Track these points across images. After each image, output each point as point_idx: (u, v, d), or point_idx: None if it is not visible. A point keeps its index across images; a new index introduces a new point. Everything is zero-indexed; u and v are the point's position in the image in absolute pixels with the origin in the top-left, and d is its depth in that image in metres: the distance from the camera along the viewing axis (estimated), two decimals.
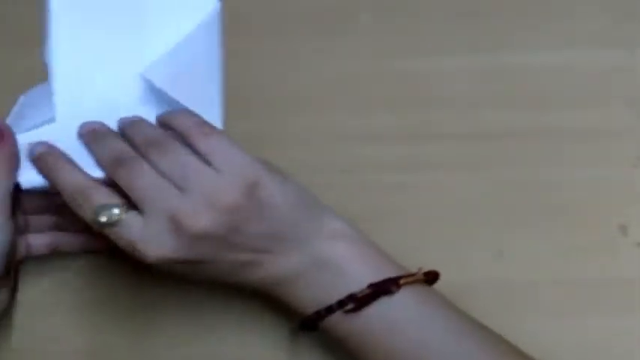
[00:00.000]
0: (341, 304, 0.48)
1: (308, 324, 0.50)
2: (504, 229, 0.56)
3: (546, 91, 0.59)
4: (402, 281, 0.48)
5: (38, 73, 0.54)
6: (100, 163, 0.49)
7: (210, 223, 0.46)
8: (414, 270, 0.49)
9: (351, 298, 0.48)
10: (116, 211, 0.46)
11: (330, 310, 0.48)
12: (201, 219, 0.46)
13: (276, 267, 0.49)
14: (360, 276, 0.48)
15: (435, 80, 0.60)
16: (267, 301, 0.52)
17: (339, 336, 0.49)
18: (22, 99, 0.54)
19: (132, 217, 0.46)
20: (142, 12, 0.54)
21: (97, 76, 0.53)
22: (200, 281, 0.51)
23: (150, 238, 0.46)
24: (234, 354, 0.55)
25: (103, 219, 0.46)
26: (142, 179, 0.47)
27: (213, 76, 0.53)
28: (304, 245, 0.49)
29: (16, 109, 0.54)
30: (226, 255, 0.47)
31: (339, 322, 0.48)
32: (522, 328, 0.52)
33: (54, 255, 0.56)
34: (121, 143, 0.49)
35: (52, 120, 0.53)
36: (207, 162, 0.47)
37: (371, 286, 0.48)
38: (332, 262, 0.48)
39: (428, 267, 0.51)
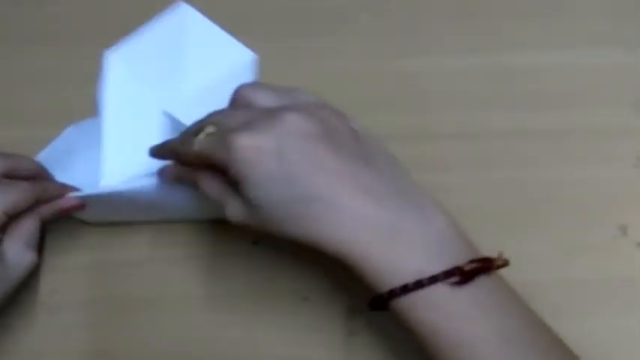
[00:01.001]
0: (447, 274, 0.43)
1: (390, 298, 0.44)
2: (504, 229, 0.56)
3: (546, 91, 0.60)
4: (496, 262, 0.45)
5: (38, 73, 0.55)
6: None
7: (303, 116, 0.45)
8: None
9: (458, 270, 0.43)
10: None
11: (433, 279, 0.43)
12: (293, 112, 0.45)
13: (383, 204, 0.44)
14: (461, 250, 0.45)
15: (435, 80, 0.60)
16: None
17: (416, 317, 0.44)
18: (70, 130, 0.56)
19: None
20: (182, 63, 0.55)
21: (140, 126, 0.54)
22: (279, 230, 0.46)
23: (248, 129, 0.45)
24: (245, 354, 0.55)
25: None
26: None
27: None
28: (406, 198, 0.45)
29: (63, 139, 0.56)
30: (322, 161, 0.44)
31: (430, 297, 0.43)
32: None
33: (55, 255, 0.56)
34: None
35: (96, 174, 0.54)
36: None
37: (473, 261, 0.44)
38: (437, 230, 0.45)
39: None
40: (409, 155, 0.58)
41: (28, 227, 0.52)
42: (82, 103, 0.59)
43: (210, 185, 0.48)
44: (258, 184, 0.44)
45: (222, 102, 0.49)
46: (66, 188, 0.54)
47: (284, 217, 0.45)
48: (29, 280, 0.56)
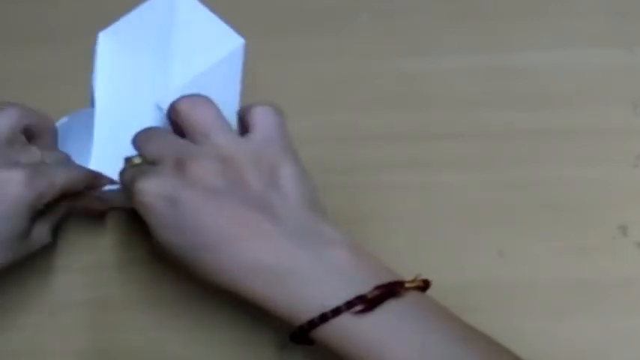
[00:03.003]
0: (349, 305, 0.44)
1: (303, 333, 0.45)
2: (504, 229, 0.56)
3: (546, 91, 0.60)
4: (406, 285, 0.46)
5: (38, 73, 0.55)
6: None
7: (212, 168, 0.46)
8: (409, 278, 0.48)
9: (360, 299, 0.44)
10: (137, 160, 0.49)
11: (336, 311, 0.44)
12: (203, 163, 0.46)
13: (272, 248, 0.45)
14: (364, 279, 0.45)
15: (435, 80, 0.60)
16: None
17: (337, 346, 0.45)
18: (65, 120, 0.56)
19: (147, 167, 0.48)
20: (172, 48, 0.54)
21: (129, 111, 0.54)
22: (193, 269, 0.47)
23: (152, 174, 0.47)
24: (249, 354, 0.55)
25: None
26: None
27: (230, 109, 0.53)
28: (302, 238, 0.46)
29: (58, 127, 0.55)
30: (220, 211, 0.46)
31: (340, 328, 0.45)
32: (522, 328, 0.52)
33: (55, 255, 0.56)
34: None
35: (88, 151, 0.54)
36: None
37: (378, 287, 0.45)
38: (333, 264, 0.45)
39: (428, 267, 0.50)
40: (409, 155, 0.58)
41: (60, 212, 0.52)
42: (82, 103, 0.59)
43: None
44: (154, 228, 0.47)
45: (209, 91, 0.50)
46: (104, 179, 0.54)
47: (184, 261, 0.47)
48: (29, 280, 0.56)
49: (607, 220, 0.56)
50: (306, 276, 0.45)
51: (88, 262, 0.57)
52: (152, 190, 0.46)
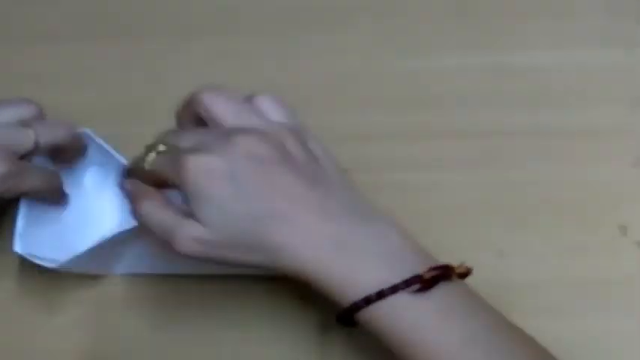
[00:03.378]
0: (407, 283, 0.43)
1: (353, 312, 0.44)
2: (504, 229, 0.56)
3: (546, 91, 0.60)
4: (456, 270, 0.46)
5: (38, 73, 0.55)
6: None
7: (257, 141, 0.45)
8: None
9: (418, 278, 0.44)
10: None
11: (394, 289, 0.43)
12: (248, 136, 0.46)
13: (331, 221, 0.45)
14: (417, 259, 0.45)
15: (435, 80, 0.60)
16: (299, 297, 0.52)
17: (383, 326, 0.44)
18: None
19: None
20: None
21: None
22: (229, 261, 0.46)
23: (202, 152, 0.45)
24: (256, 354, 0.55)
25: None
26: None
27: None
28: (355, 214, 0.46)
29: None
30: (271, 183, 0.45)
31: (392, 307, 0.44)
32: (522, 327, 0.52)
33: None
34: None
35: None
36: None
37: (434, 268, 0.44)
38: (387, 242, 0.45)
39: None
40: (409, 155, 0.58)
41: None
42: (82, 103, 0.59)
43: (154, 214, 0.47)
44: (209, 206, 0.45)
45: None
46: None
47: (236, 239, 0.45)
48: (29, 280, 0.56)
49: (607, 220, 0.56)
50: (362, 252, 0.45)
51: None
52: (206, 165, 0.45)
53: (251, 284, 0.56)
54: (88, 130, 0.53)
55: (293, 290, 0.54)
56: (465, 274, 0.47)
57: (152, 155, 0.48)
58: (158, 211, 0.47)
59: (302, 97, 0.60)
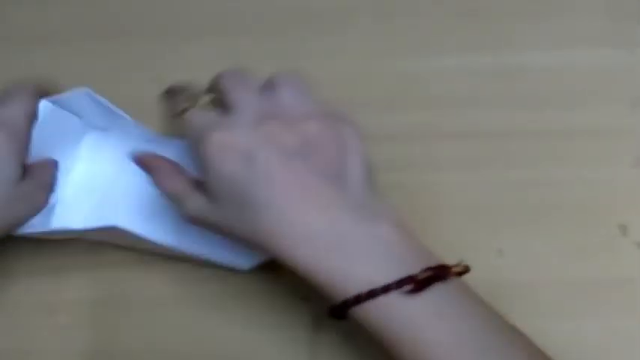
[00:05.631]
0: (400, 284, 0.44)
1: (345, 308, 0.45)
2: (504, 229, 0.56)
3: (546, 91, 0.60)
4: (452, 269, 0.46)
5: (39, 73, 0.55)
6: None
7: (288, 130, 0.46)
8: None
9: (411, 279, 0.44)
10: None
11: (386, 289, 0.44)
12: (281, 123, 0.47)
13: (331, 219, 0.45)
14: (413, 260, 0.45)
15: (435, 80, 0.60)
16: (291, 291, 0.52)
17: (375, 324, 0.45)
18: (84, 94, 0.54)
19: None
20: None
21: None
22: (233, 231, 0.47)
23: (230, 125, 0.47)
24: (248, 351, 0.55)
25: None
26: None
27: None
28: (360, 214, 0.46)
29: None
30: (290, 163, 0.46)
31: (384, 306, 0.44)
32: (522, 328, 0.52)
33: (55, 255, 0.56)
34: None
35: None
36: None
37: (428, 269, 0.45)
38: (385, 242, 0.45)
39: None
40: (409, 155, 0.58)
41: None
42: None
43: (167, 181, 0.50)
44: (220, 179, 0.46)
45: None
46: None
47: (237, 217, 0.46)
48: (29, 279, 0.56)
49: (607, 220, 0.56)
50: (358, 250, 0.45)
51: (88, 262, 0.57)
52: (229, 141, 0.46)
53: (252, 284, 0.56)
54: (89, 90, 0.53)
55: (287, 286, 0.55)
56: (462, 272, 0.47)
57: (187, 105, 0.49)
58: (171, 180, 0.50)
59: None
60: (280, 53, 0.61)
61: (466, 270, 0.47)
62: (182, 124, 0.49)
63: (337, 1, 0.62)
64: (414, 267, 0.45)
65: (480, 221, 0.57)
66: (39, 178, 0.52)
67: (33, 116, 0.52)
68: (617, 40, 0.60)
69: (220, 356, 0.55)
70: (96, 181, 0.55)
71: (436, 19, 0.61)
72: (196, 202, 0.48)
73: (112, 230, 0.52)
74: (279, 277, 0.56)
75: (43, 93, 0.53)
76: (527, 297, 0.55)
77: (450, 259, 0.55)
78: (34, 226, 0.52)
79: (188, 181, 0.50)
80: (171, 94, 0.52)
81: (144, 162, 0.52)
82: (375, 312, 0.44)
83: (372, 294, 0.44)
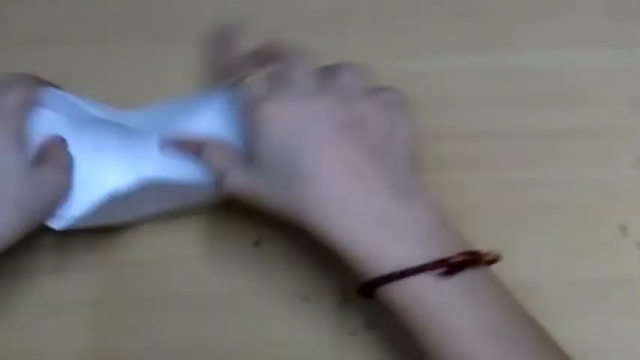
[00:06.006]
0: (433, 265, 0.45)
1: (375, 286, 0.45)
2: (504, 229, 0.56)
3: (546, 91, 0.60)
4: (484, 257, 0.47)
5: (39, 74, 0.54)
6: None
7: (341, 107, 0.47)
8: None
9: (444, 262, 0.45)
10: None
11: (420, 269, 0.45)
12: (336, 99, 0.48)
13: (373, 196, 0.46)
14: (448, 243, 0.46)
15: (435, 80, 0.60)
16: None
17: (403, 304, 0.45)
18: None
19: None
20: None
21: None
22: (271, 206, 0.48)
23: (288, 94, 0.48)
24: (249, 352, 0.55)
25: None
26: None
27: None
28: (400, 194, 0.47)
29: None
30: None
31: (415, 287, 0.45)
32: None
33: (55, 255, 0.56)
34: None
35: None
36: None
37: (462, 254, 0.45)
38: (422, 225, 0.46)
39: None
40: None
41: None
42: None
43: (213, 154, 0.51)
44: (270, 148, 0.47)
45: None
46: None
47: (280, 186, 0.47)
48: (29, 279, 0.56)
49: (607, 220, 0.56)
50: (396, 229, 0.46)
51: (88, 262, 0.57)
52: (284, 111, 0.47)
53: (253, 285, 0.56)
54: (57, 91, 0.53)
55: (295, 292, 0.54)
56: (493, 260, 0.47)
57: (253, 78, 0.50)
58: (218, 152, 0.51)
59: None
60: None
61: (497, 258, 0.47)
62: (236, 89, 0.50)
63: (337, 1, 0.62)
64: (448, 250, 0.45)
65: (480, 221, 0.57)
66: (53, 159, 0.51)
67: (29, 103, 0.51)
68: (617, 40, 0.60)
69: (220, 356, 0.55)
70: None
71: (436, 19, 0.61)
72: (240, 172, 0.49)
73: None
74: (276, 279, 0.56)
75: (43, 84, 0.53)
76: (528, 297, 0.54)
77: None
78: (74, 211, 0.51)
79: (231, 153, 0.51)
80: (226, 47, 0.53)
81: (186, 144, 0.52)
82: (405, 292, 0.45)
83: (406, 273, 0.45)
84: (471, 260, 0.46)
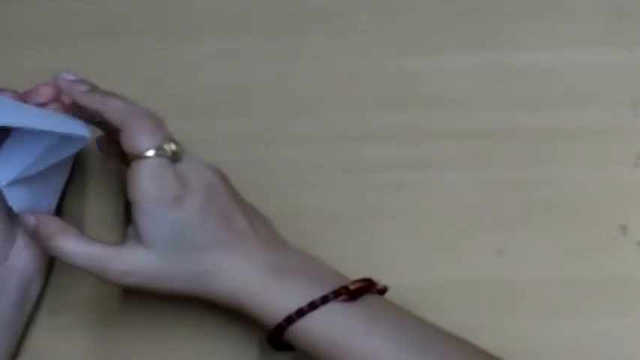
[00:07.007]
0: (336, 293, 0.47)
1: (286, 326, 0.48)
2: (504, 229, 0.56)
3: (546, 91, 0.59)
4: (378, 284, 0.50)
5: (38, 73, 0.54)
6: None
7: (215, 175, 0.50)
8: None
9: (345, 289, 0.48)
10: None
11: (324, 299, 0.47)
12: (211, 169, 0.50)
13: (263, 254, 0.49)
14: (340, 277, 0.50)
15: (435, 80, 0.60)
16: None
17: (317, 337, 0.48)
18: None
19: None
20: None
21: None
22: (168, 291, 0.50)
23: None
24: (249, 352, 0.55)
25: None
26: None
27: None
28: (281, 242, 0.51)
29: None
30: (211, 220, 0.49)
31: (324, 317, 0.47)
32: (522, 327, 0.52)
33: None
34: None
35: None
36: None
37: (357, 281, 0.49)
38: (313, 265, 0.50)
39: (428, 266, 0.53)
40: (409, 155, 0.58)
41: None
42: None
43: (81, 247, 0.49)
44: (159, 230, 0.48)
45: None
46: None
47: (178, 261, 0.48)
48: None
49: (607, 220, 0.56)
50: (296, 270, 0.49)
51: None
52: (156, 193, 0.49)
53: None
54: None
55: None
56: (382, 291, 0.50)
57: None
58: (83, 245, 0.49)
59: (302, 98, 0.60)
60: (280, 53, 0.61)
61: (385, 289, 0.50)
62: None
63: (337, 1, 0.62)
64: (342, 281, 0.49)
65: (480, 221, 0.57)
66: None
67: None
68: (617, 40, 0.60)
69: (221, 356, 0.55)
70: None
71: (436, 19, 0.61)
72: (132, 257, 0.49)
73: None
74: None
75: None
76: (527, 297, 0.55)
77: (450, 259, 0.56)
78: None
79: (102, 243, 0.49)
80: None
81: (42, 227, 0.50)
82: (316, 324, 0.47)
83: (313, 305, 0.47)
84: (367, 286, 0.49)
